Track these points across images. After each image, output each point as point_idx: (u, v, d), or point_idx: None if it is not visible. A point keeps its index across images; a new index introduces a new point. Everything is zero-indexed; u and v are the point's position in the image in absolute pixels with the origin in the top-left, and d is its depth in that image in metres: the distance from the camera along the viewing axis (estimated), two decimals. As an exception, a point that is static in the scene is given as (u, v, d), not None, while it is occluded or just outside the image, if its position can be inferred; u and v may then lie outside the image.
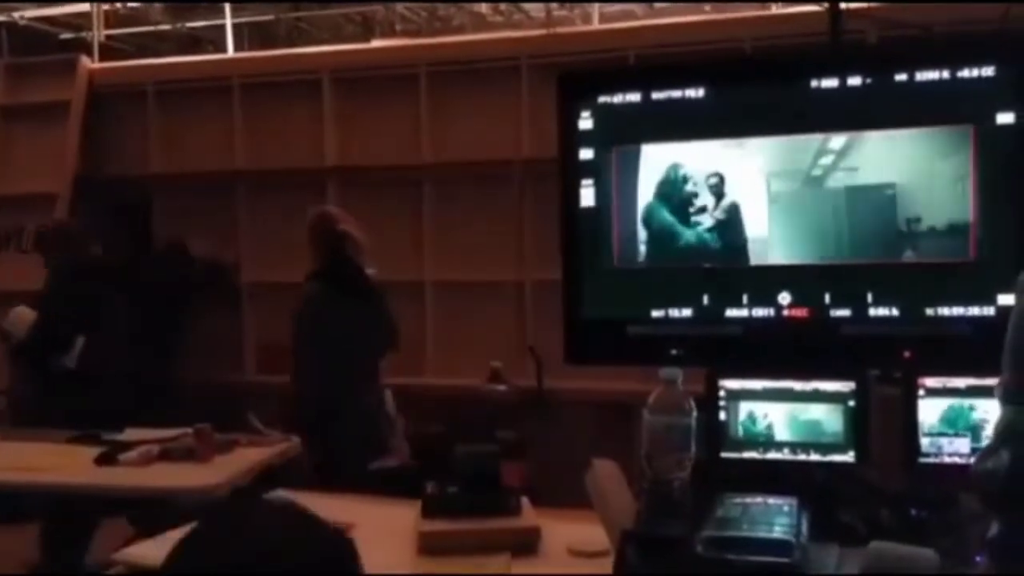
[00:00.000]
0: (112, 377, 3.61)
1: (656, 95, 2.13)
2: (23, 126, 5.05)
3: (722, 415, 1.90)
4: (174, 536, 1.95)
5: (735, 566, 1.44)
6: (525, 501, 1.90)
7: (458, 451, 1.92)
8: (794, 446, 1.87)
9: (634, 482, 1.68)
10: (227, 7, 5.17)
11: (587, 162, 2.17)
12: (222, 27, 5.21)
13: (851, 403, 1.84)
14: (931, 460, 1.81)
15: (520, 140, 4.35)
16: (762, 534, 1.49)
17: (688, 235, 2.10)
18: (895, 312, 1.97)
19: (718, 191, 2.07)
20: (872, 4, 3.59)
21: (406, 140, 4.59)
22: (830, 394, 1.86)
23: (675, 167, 2.11)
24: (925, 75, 1.95)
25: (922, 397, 1.83)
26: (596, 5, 4.75)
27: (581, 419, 4.09)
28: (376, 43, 4.94)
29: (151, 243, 4.88)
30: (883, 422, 1.89)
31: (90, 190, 4.84)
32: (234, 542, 0.96)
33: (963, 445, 1.79)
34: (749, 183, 2.07)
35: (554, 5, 4.73)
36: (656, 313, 2.12)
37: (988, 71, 1.91)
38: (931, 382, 1.83)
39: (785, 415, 1.88)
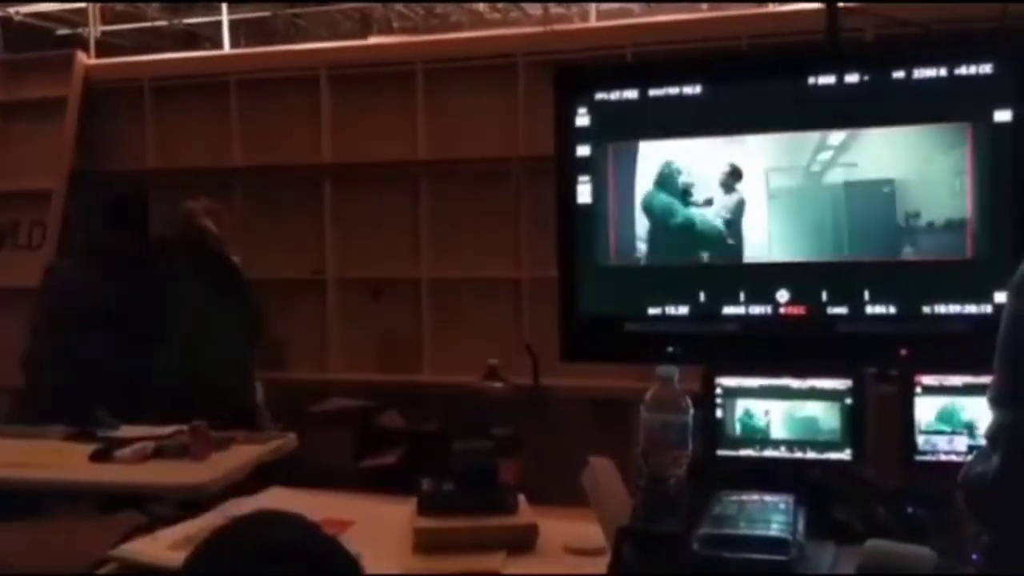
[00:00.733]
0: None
1: (653, 92, 2.12)
2: (19, 122, 5.03)
3: (719, 412, 1.90)
4: (169, 533, 1.95)
5: (731, 564, 1.44)
6: (522, 498, 1.90)
7: (454, 448, 1.92)
8: (791, 444, 1.87)
9: (630, 479, 1.68)
10: (224, 4, 5.15)
11: (584, 159, 2.16)
12: (219, 23, 5.20)
13: (848, 401, 1.84)
14: (928, 458, 1.81)
15: (517, 137, 4.35)
16: (758, 532, 1.49)
17: (691, 214, 2.08)
18: (892, 310, 1.97)
19: (729, 184, 2.06)
20: (870, 2, 3.58)
21: (403, 137, 4.59)
22: (827, 392, 1.86)
23: (670, 163, 2.11)
24: (923, 72, 1.94)
25: (919, 395, 1.83)
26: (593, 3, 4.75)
27: (578, 416, 4.09)
28: (373, 40, 4.93)
29: (148, 241, 4.87)
30: (880, 420, 1.89)
31: (86, 186, 4.83)
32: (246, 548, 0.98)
33: (960, 443, 1.79)
34: (749, 180, 2.06)
35: (552, 3, 4.72)
36: (653, 310, 2.12)
37: (986, 68, 1.91)
38: (928, 380, 1.83)
39: (782, 413, 1.88)
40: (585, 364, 2.50)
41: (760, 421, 1.89)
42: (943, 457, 1.80)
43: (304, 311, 4.75)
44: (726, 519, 1.54)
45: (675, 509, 1.55)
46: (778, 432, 1.88)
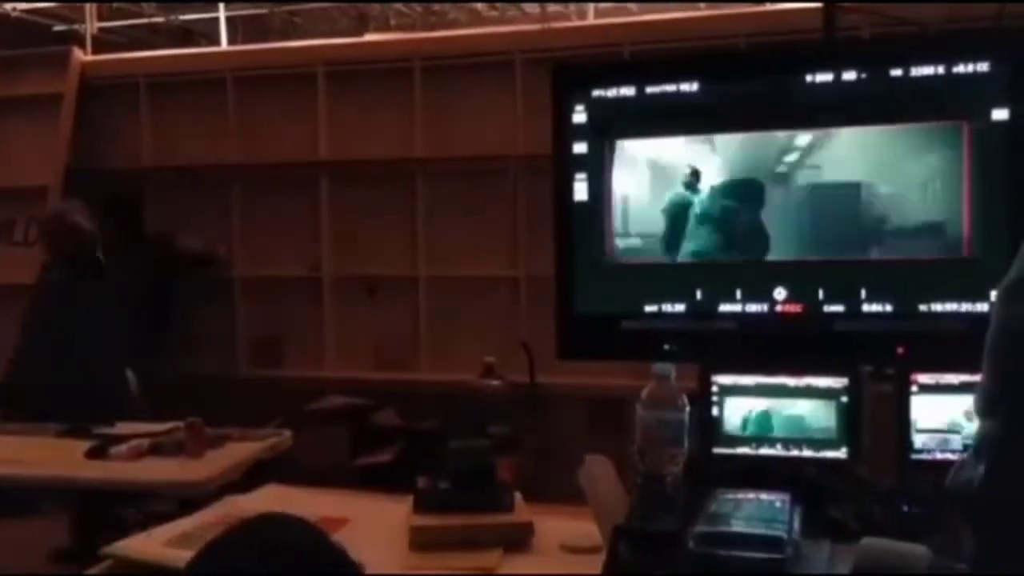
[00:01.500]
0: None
1: (650, 89, 2.12)
2: (14, 118, 5.02)
3: (715, 410, 1.90)
4: (165, 530, 1.94)
5: (727, 562, 1.44)
6: (518, 496, 1.89)
7: (451, 446, 1.92)
8: (787, 442, 1.87)
9: (627, 477, 1.68)
10: (220, 0, 5.14)
11: (580, 156, 2.16)
12: (215, 20, 5.19)
13: (844, 399, 1.84)
14: (923, 456, 1.81)
15: (514, 135, 4.34)
16: (754, 530, 1.49)
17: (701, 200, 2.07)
18: (889, 308, 1.96)
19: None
20: (867, 1, 3.58)
21: (400, 134, 4.58)
22: (823, 390, 1.86)
23: (670, 161, 2.10)
24: (920, 71, 1.94)
25: (915, 393, 1.83)
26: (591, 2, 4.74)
27: (574, 414, 4.09)
28: (370, 37, 4.93)
29: (143, 237, 4.87)
30: (876, 418, 1.89)
31: (82, 183, 4.82)
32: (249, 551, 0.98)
33: (956, 442, 1.79)
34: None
35: (549, 2, 4.72)
36: (649, 308, 2.11)
37: (983, 67, 1.90)
38: (924, 378, 1.83)
39: (778, 411, 1.88)
40: (582, 362, 2.50)
41: (756, 419, 1.88)
42: (939, 456, 1.80)
43: (300, 308, 4.75)
44: (722, 517, 1.53)
45: (671, 507, 1.55)
46: (774, 430, 1.88)
